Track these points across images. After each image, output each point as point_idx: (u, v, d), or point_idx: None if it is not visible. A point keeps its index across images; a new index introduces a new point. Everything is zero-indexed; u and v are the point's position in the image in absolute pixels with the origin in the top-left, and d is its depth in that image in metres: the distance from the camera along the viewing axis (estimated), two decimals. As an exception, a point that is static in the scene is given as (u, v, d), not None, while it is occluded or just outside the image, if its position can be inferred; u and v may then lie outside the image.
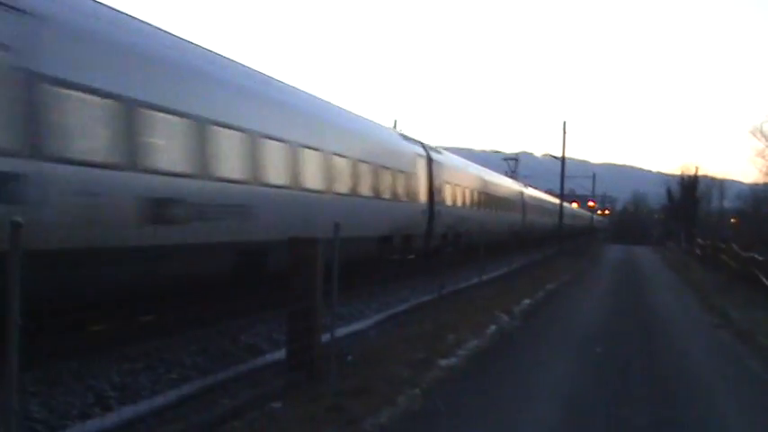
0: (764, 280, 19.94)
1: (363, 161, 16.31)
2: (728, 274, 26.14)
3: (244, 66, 12.57)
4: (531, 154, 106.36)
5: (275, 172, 12.04)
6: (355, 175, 15.75)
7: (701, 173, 69.31)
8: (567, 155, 45.87)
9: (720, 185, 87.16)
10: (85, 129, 7.93)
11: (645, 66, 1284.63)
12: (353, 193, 15.57)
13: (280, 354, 8.64)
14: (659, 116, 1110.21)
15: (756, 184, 78.12)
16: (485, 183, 31.17)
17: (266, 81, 13.19)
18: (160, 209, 8.98)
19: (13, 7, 7.02)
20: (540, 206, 44.70)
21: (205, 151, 10.02)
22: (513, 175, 51.92)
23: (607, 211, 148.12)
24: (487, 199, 30.60)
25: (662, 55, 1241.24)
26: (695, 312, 17.60)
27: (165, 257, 9.15)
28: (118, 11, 9.11)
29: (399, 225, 18.82)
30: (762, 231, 61.76)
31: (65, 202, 7.50)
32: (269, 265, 11.20)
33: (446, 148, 26.44)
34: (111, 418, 6.22)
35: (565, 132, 45.16)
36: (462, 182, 26.34)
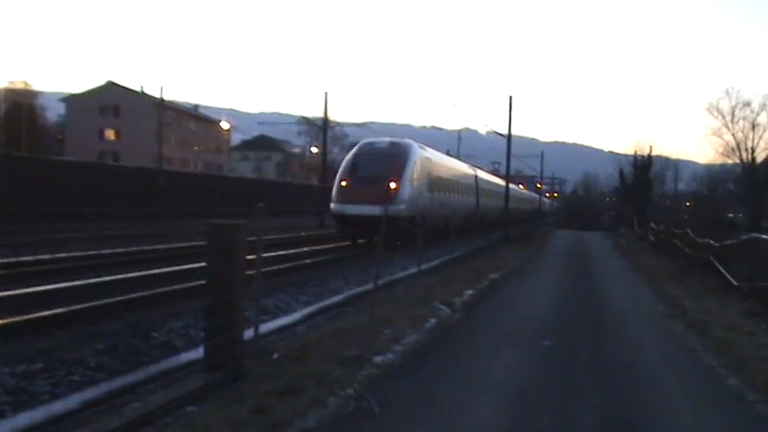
0: (719, 267, 20.51)
1: (466, 182, 42.88)
2: (683, 260, 26.87)
3: (463, 161, 52.44)
4: (474, 131, 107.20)
5: (462, 189, 42.06)
6: (464, 188, 42.05)
7: (654, 152, 70.76)
8: (513, 132, 46.53)
9: (675, 166, 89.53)
10: (443, 186, 35.87)
11: (595, 40, 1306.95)
12: (463, 194, 41.37)
13: (197, 352, 8.55)
14: (611, 93, 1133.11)
15: (712, 165, 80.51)
16: (496, 185, 57.42)
17: (466, 165, 49.11)
18: (447, 204, 36.40)
19: (428, 159, 33.90)
20: (519, 197, 72.01)
21: (459, 188, 41.16)
22: (497, 173, 73.06)
23: (556, 194, 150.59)
24: (496, 194, 54.04)
25: (613, 30, 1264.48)
26: (647, 302, 18.02)
27: (453, 215, 37.15)
28: (444, 154, 44.99)
29: (468, 208, 43.27)
30: (717, 215, 63.74)
31: (429, 205, 32.50)
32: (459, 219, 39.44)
33: (383, 125, 34.55)
34: (3, 428, 6.05)
35: (511, 108, 45.70)
36: (486, 186, 52.17)
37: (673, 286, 19.98)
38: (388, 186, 28.56)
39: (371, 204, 23.60)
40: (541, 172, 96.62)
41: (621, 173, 72.25)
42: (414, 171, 30.37)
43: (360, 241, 29.46)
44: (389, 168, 29.40)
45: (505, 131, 46.29)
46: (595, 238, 57.95)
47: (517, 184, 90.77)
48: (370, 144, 32.29)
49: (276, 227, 34.39)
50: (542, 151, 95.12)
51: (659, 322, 14.71)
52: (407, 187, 29.58)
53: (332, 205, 29.24)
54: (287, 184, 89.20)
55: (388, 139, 34.09)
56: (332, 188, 30.44)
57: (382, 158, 30.24)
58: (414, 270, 20.63)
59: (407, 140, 33.17)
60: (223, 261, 7.88)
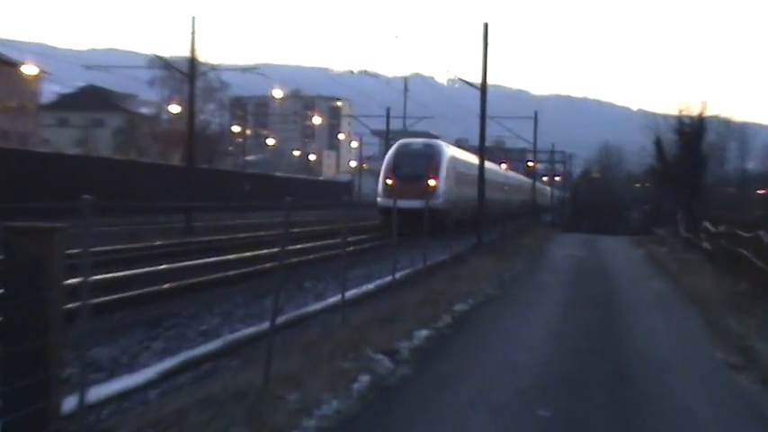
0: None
1: (475, 175, 55.38)
2: (754, 279, 27.30)
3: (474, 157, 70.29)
4: (429, 79, 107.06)
5: (497, 187, 77.86)
6: (475, 181, 54.73)
7: (709, 113, 69.87)
8: (490, 81, 46.73)
9: (740, 133, 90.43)
10: (463, 180, 59.13)
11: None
12: (475, 187, 54.00)
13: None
14: (640, 24, 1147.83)
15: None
16: (500, 175, 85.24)
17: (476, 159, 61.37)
18: (465, 197, 56.72)
19: (453, 156, 61.09)
20: (515, 184, 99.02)
21: (473, 181, 55.82)
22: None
23: (557, 177, 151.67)
24: (496, 184, 75.60)
25: None
26: (699, 345, 18.26)
27: (468, 207, 55.85)
28: (466, 149, 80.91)
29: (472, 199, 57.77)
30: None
31: (456, 197, 57.02)
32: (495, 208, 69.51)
33: (285, 68, 35.59)
34: None
35: (486, 43, 45.87)
36: (493, 177, 69.67)
37: (738, 320, 20.23)
38: (428, 183, 51.08)
39: (415, 199, 36.04)
40: (535, 143, 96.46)
41: (659, 144, 71.75)
42: (446, 169, 53.80)
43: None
44: (427, 167, 52.59)
45: (478, 80, 46.54)
46: (619, 246, 58.55)
47: (499, 162, 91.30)
48: (406, 145, 56.83)
49: (115, 232, 34.09)
50: (536, 111, 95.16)
51: (717, 377, 14.91)
52: (443, 184, 52.82)
53: (380, 200, 52.10)
54: (133, 163, 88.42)
55: (421, 140, 62.06)
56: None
57: (419, 158, 53.83)
58: (335, 299, 20.61)
59: (438, 141, 61.61)
60: (27, 288, 7.74)
